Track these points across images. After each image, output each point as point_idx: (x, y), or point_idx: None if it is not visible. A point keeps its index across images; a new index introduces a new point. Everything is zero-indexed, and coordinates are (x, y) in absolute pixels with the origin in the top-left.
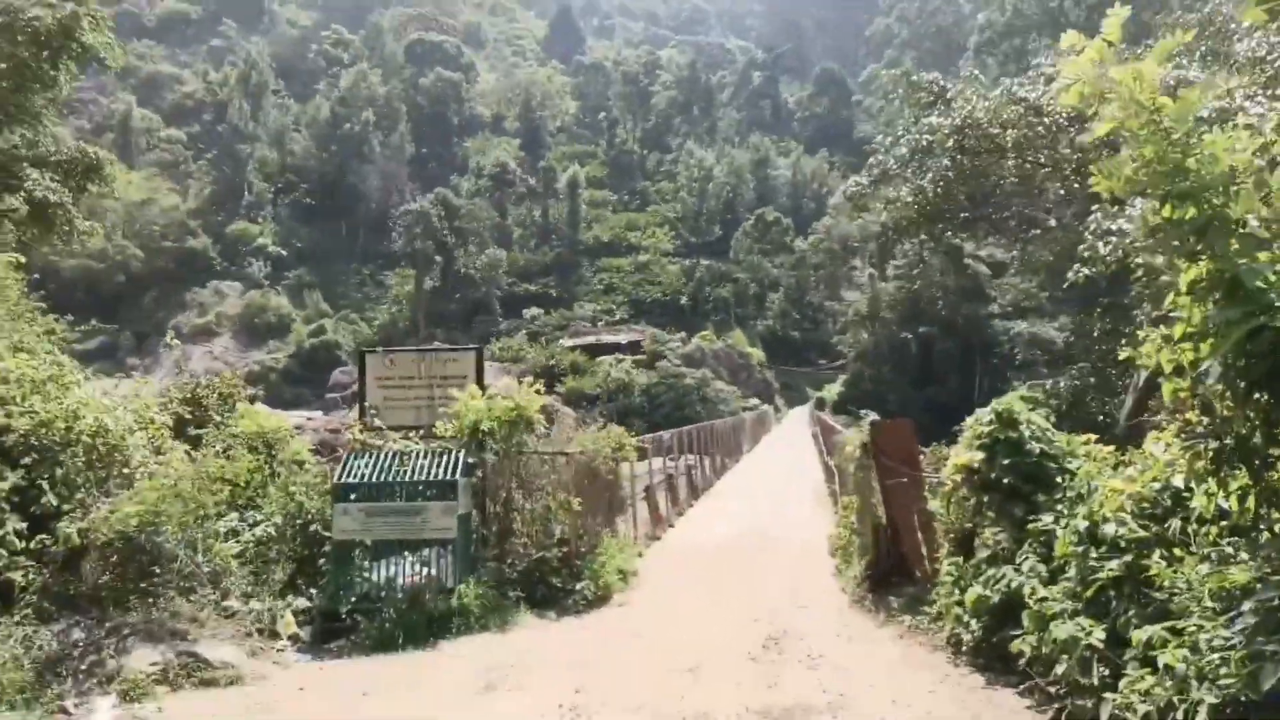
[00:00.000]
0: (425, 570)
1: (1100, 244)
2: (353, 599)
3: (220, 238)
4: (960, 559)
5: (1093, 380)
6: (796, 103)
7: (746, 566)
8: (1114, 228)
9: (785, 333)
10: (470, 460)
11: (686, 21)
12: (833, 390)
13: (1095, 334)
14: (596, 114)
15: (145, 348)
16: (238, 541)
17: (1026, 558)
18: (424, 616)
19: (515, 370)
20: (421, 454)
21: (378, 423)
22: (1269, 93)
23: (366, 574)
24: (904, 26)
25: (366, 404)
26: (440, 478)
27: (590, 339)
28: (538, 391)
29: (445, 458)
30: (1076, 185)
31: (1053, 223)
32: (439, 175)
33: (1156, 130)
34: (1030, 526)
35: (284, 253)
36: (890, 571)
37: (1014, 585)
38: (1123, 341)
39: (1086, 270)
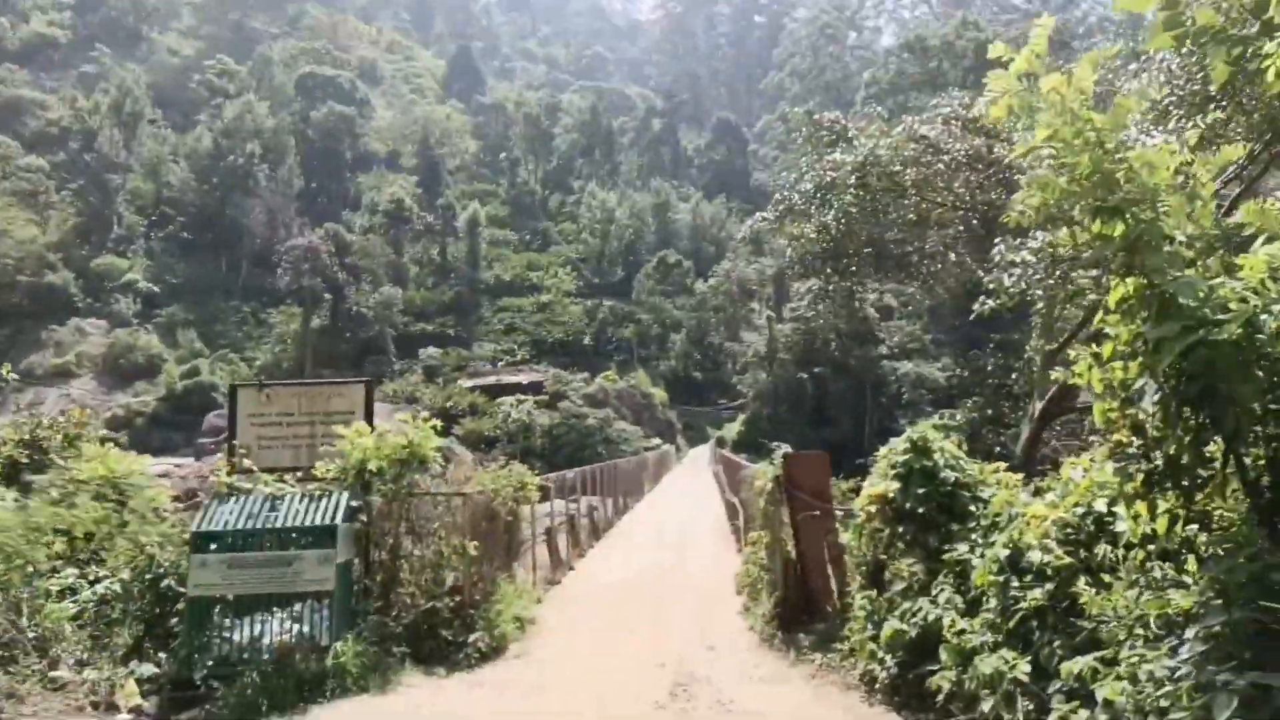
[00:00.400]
0: (297, 628)
1: (1005, 276)
2: (209, 663)
3: (84, 273)
4: (873, 593)
5: (989, 413)
6: (695, 150)
7: (650, 608)
8: (1017, 260)
9: (687, 373)
10: (354, 504)
11: (587, 67)
12: (733, 429)
13: (988, 368)
14: (497, 154)
15: None
16: (75, 601)
17: (942, 589)
18: (293, 680)
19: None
20: (297, 498)
21: (248, 464)
22: (1183, 112)
23: (227, 634)
24: (796, 81)
25: (237, 443)
26: (318, 523)
27: (490, 379)
28: (434, 429)
29: (325, 501)
30: (975, 221)
31: (952, 258)
32: (330, 211)
33: (1089, 142)
34: (946, 556)
35: (156, 289)
36: (800, 609)
37: (930, 618)
38: (1012, 376)
39: (992, 302)
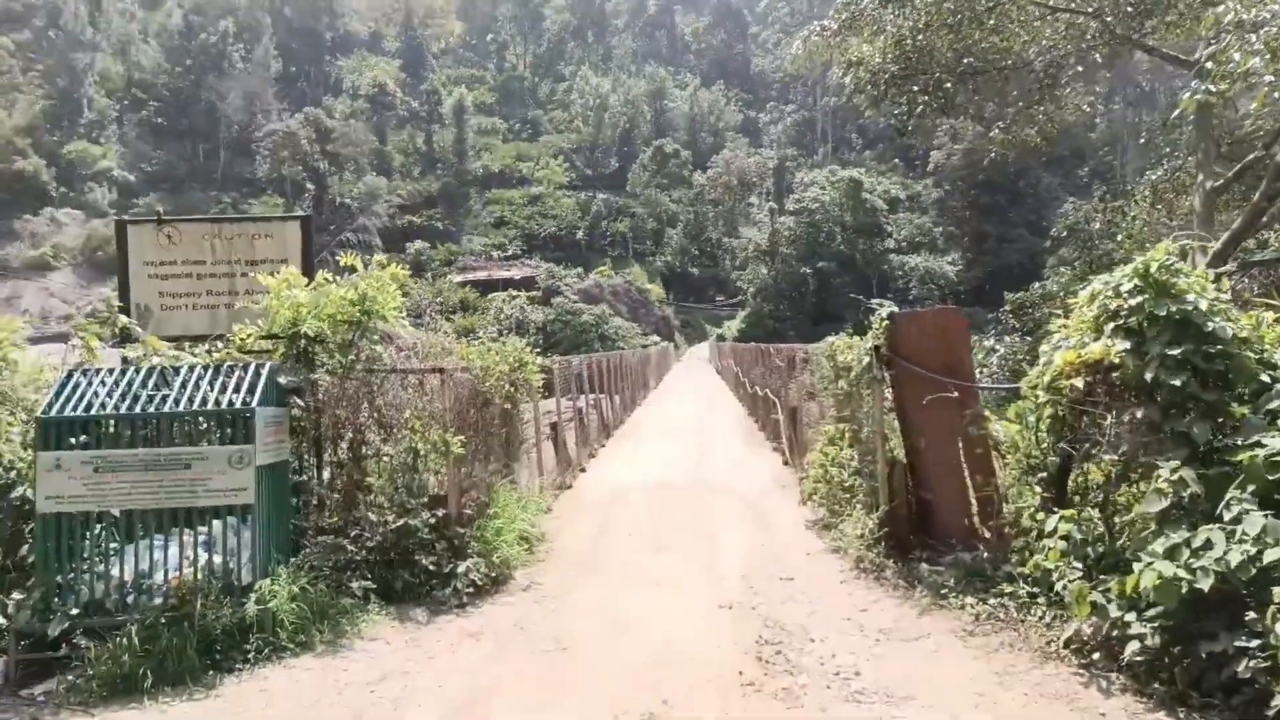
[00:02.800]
0: (205, 558)
1: (1234, 46)
2: (74, 611)
3: (55, 160)
4: (1073, 510)
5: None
6: (693, 34)
7: (687, 518)
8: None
9: (684, 269)
10: (287, 382)
11: None
12: (732, 327)
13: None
14: (484, 35)
15: None
16: None
17: (1244, 510)
18: (196, 636)
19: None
20: (199, 370)
21: (138, 330)
22: None
23: (103, 568)
24: None
25: (132, 300)
26: (225, 406)
27: (481, 274)
28: (399, 287)
29: (237, 375)
30: (1110, 21)
31: (1066, 83)
32: (310, 95)
33: None
34: (1248, 455)
35: (131, 177)
36: (914, 527)
37: (1235, 559)
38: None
39: (1210, 86)
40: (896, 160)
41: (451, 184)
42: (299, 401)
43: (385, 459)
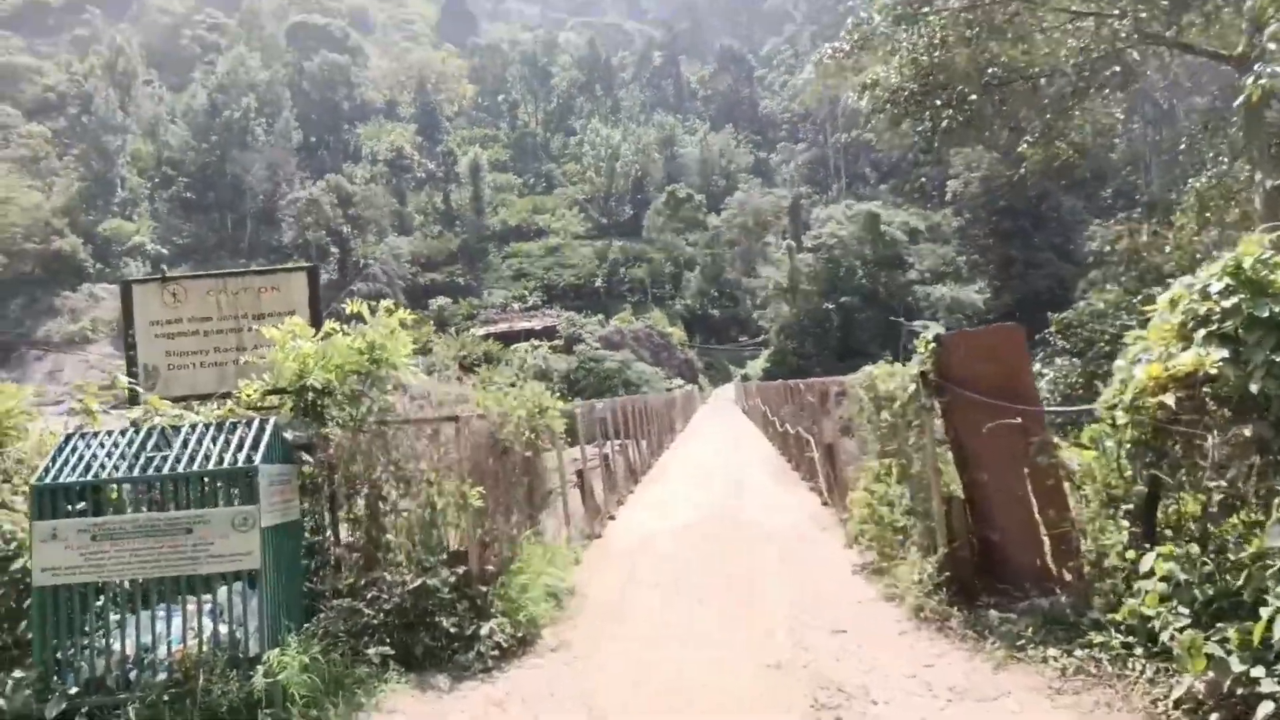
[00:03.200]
0: (211, 628)
1: None
2: (73, 690)
3: (91, 238)
4: (1148, 545)
5: None
6: (699, 81)
7: (723, 565)
8: None
9: (704, 311)
10: (294, 437)
11: (581, 5)
12: (756, 366)
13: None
14: (495, 96)
15: (11, 360)
16: None
17: None
18: (201, 714)
19: (423, 364)
20: (200, 429)
21: (141, 391)
22: None
23: (101, 643)
24: (801, 0)
25: (138, 362)
26: (226, 466)
27: (503, 326)
28: (402, 324)
29: (240, 431)
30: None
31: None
32: (330, 163)
33: None
34: None
35: (164, 250)
36: (977, 570)
37: None
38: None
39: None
40: (913, 193)
41: (470, 240)
42: (308, 458)
43: (403, 515)
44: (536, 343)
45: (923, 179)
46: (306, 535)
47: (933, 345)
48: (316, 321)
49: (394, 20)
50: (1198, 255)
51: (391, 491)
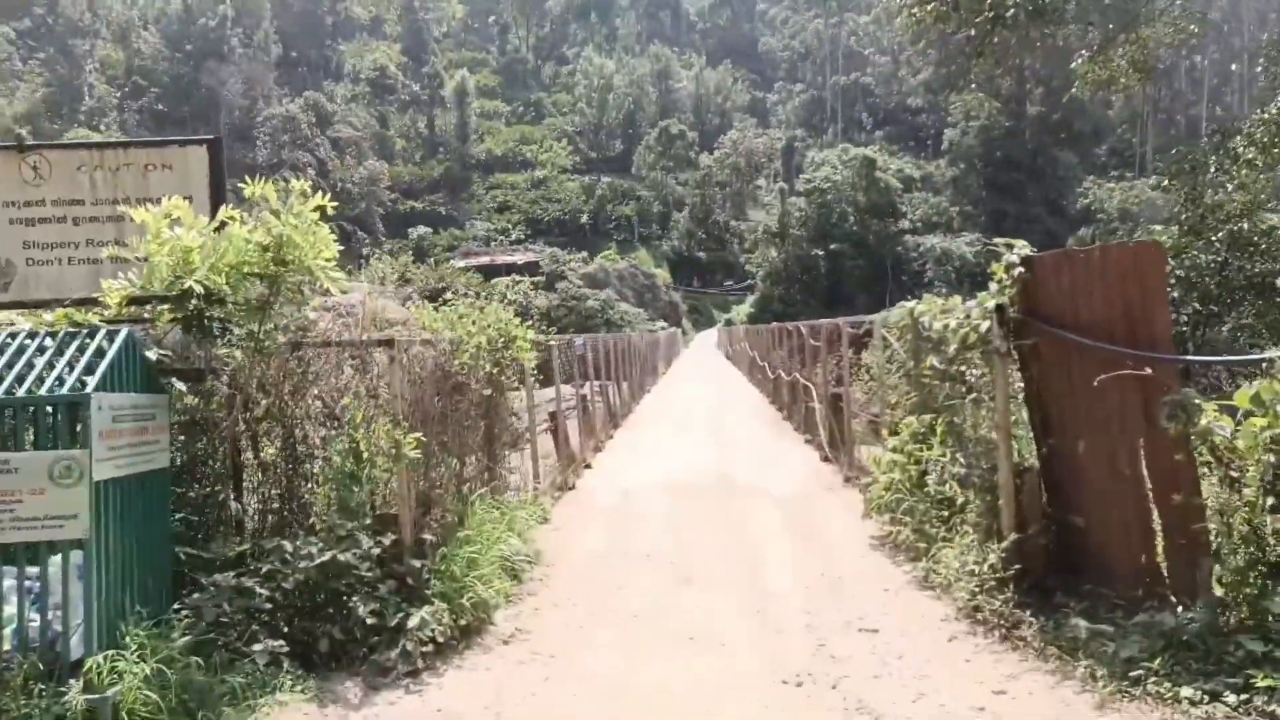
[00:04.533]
0: (16, 623)
1: None
2: None
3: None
4: None
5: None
6: (698, 13)
7: (721, 534)
8: None
9: (691, 253)
10: (160, 358)
11: None
12: (741, 311)
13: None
14: (486, 18)
15: None
16: None
17: None
18: None
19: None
20: (23, 339)
21: None
22: None
23: None
24: None
25: None
26: (46, 392)
27: (484, 259)
28: (321, 213)
29: (75, 346)
30: None
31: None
32: (310, 80)
33: None
34: None
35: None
36: (1054, 563)
37: None
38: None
39: None
40: (909, 141)
41: (454, 168)
42: (182, 386)
43: (312, 465)
44: (518, 278)
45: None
46: (196, 487)
47: (1019, 270)
48: (216, 199)
49: None
50: (1263, 196)
51: (312, 432)
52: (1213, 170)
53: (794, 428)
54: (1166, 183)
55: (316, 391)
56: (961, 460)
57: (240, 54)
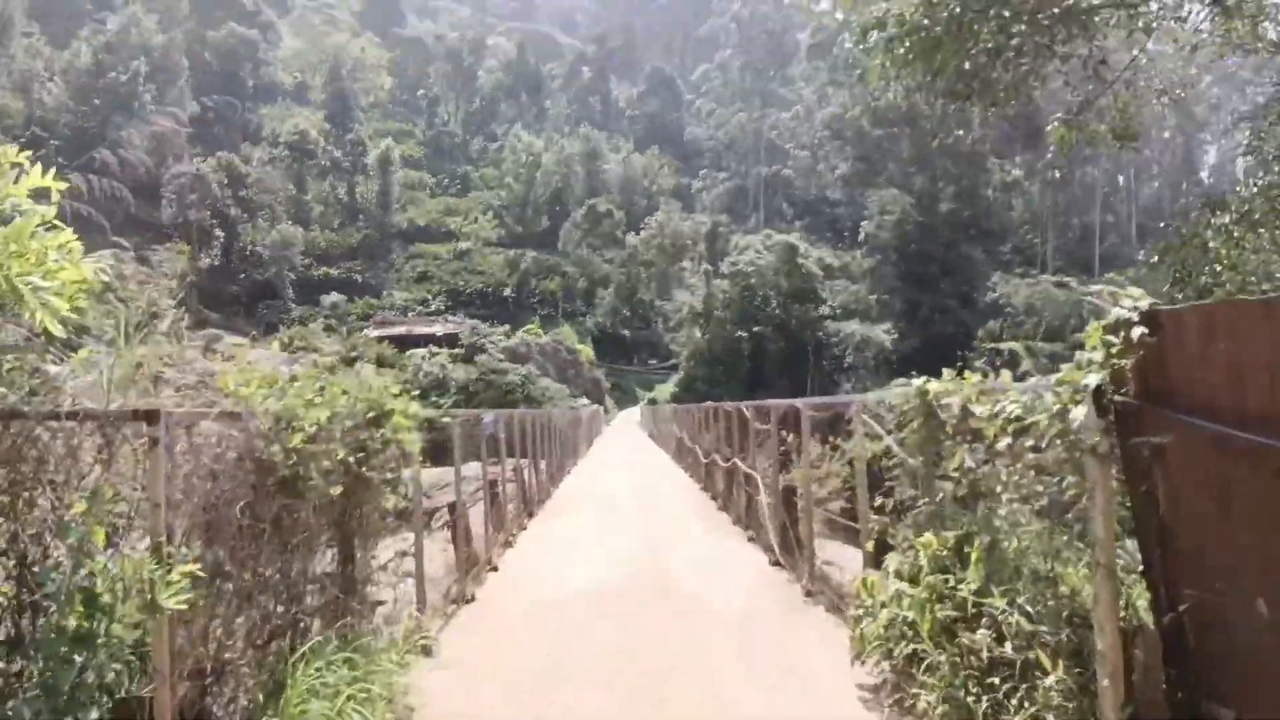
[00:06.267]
0: None
1: None
2: None
3: None
4: None
5: None
6: (627, 101)
7: (662, 678)
8: None
9: (615, 330)
10: None
11: (514, 11)
12: (664, 390)
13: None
14: (415, 91)
15: None
16: None
17: None
18: None
19: (307, 361)
20: None
21: None
22: None
23: None
24: (736, 29)
25: None
26: None
27: (400, 329)
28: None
29: None
30: None
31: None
32: (227, 142)
33: None
34: None
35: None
36: None
37: None
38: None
39: None
40: (828, 232)
41: (373, 236)
42: None
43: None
44: (435, 349)
45: (840, 217)
46: None
47: (1138, 332)
48: None
49: (314, 3)
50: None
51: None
52: (1210, 243)
53: (732, 520)
54: (1155, 259)
55: (53, 488)
56: (1028, 608)
57: (151, 110)
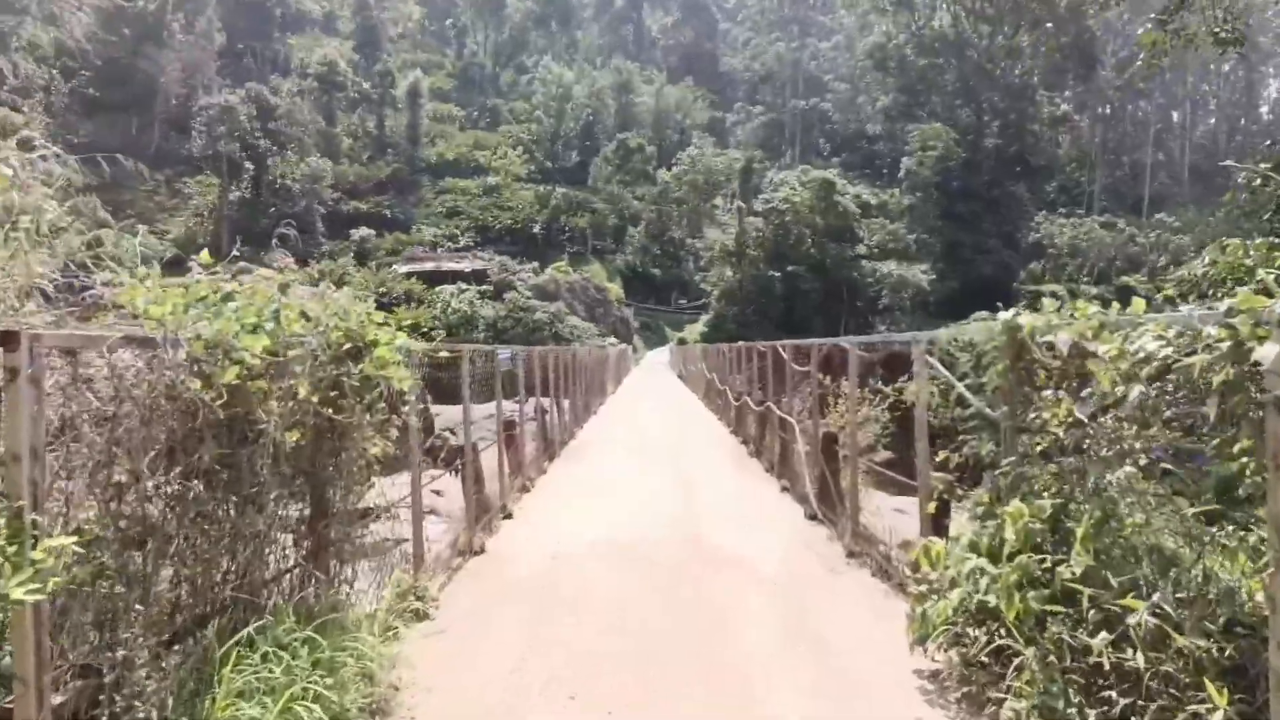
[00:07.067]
0: None
1: None
2: None
3: None
4: None
5: None
6: (660, 30)
7: (694, 647)
8: None
9: (645, 269)
10: None
11: None
12: (694, 331)
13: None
14: (444, 21)
15: None
16: None
17: None
18: None
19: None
20: None
21: None
22: None
23: None
24: None
25: None
26: None
27: (429, 265)
28: None
29: None
30: None
31: None
32: (256, 72)
33: None
34: None
35: (58, 149)
36: None
37: None
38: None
39: None
40: (866, 169)
41: (403, 170)
42: None
43: None
44: (464, 286)
45: (879, 154)
46: None
47: None
48: None
49: None
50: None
51: None
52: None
53: (764, 468)
54: (1257, 183)
55: None
56: (1164, 607)
57: (180, 41)
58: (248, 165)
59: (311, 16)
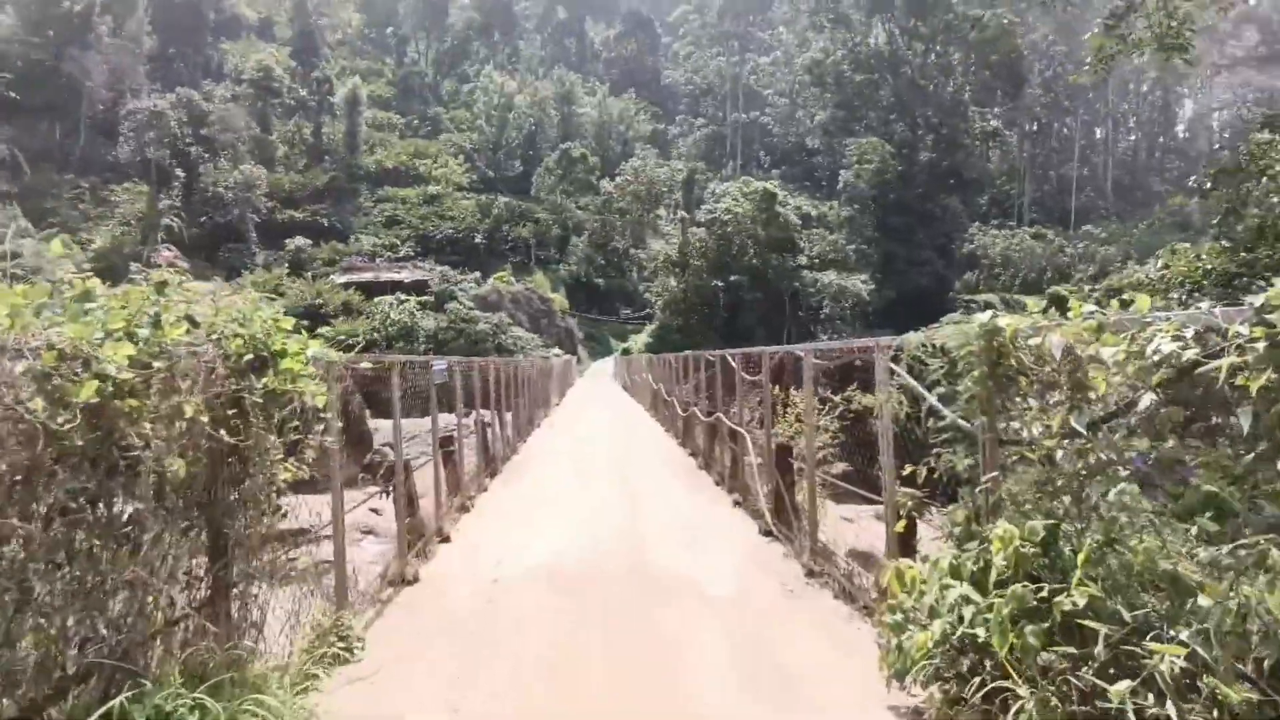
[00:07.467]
0: None
1: None
2: None
3: None
4: None
5: None
6: (603, 42)
7: (638, 686)
8: None
9: (590, 279)
10: None
11: None
12: (639, 341)
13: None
14: (384, 29)
15: None
16: None
17: None
18: None
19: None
20: None
21: None
22: None
23: None
24: None
25: None
26: None
27: (368, 276)
28: None
29: None
30: None
31: None
32: (187, 77)
33: None
34: None
35: None
36: None
37: None
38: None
39: None
40: (805, 181)
41: (340, 179)
42: None
43: None
44: (404, 296)
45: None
46: None
47: None
48: None
49: None
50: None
51: None
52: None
53: (714, 480)
54: (1207, 188)
55: None
56: (1196, 649)
57: (108, 43)
58: (178, 172)
59: (247, 22)
